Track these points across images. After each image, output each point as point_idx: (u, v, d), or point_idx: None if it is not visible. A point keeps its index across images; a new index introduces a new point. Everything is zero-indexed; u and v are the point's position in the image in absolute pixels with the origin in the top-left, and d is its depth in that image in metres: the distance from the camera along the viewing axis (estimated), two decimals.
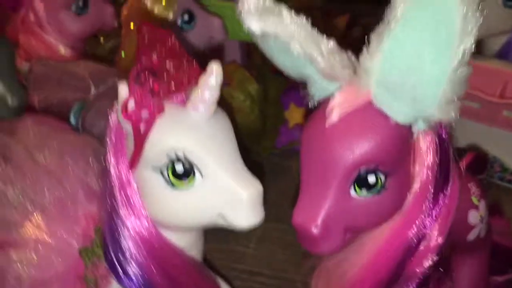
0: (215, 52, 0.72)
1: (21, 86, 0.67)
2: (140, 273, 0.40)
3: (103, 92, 0.61)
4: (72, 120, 0.62)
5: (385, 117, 0.35)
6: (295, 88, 0.80)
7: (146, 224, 0.40)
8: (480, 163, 0.50)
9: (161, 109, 0.37)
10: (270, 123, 0.77)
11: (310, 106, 0.40)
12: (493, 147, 0.68)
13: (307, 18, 0.37)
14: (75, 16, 0.75)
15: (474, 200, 0.44)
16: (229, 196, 0.37)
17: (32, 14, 0.75)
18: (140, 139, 0.37)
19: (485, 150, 0.68)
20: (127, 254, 0.40)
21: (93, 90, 0.61)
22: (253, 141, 0.76)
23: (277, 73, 0.80)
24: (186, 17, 0.69)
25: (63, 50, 0.76)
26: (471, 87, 0.63)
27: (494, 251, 0.51)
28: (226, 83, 0.76)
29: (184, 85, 0.38)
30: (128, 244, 0.40)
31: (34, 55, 0.74)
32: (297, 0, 0.87)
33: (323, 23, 0.84)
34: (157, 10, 0.67)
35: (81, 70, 0.62)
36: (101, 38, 0.83)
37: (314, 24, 0.37)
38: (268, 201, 0.41)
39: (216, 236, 0.63)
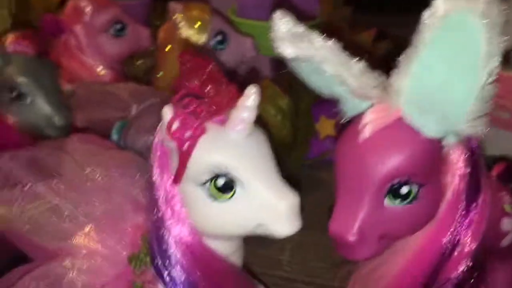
0: (248, 70, 0.74)
1: (67, 107, 0.71)
2: (185, 278, 0.43)
3: (143, 111, 0.64)
4: (114, 138, 0.66)
5: (416, 132, 0.37)
6: (325, 100, 0.82)
7: (190, 232, 0.42)
8: (511, 173, 0.51)
9: (203, 130, 0.40)
10: (301, 135, 0.79)
11: (342, 121, 0.42)
12: None
13: (334, 33, 0.40)
14: (113, 39, 0.79)
15: (507, 208, 0.45)
16: (267, 207, 0.40)
17: (73, 38, 0.79)
18: (184, 157, 0.40)
19: None
20: (173, 261, 0.43)
21: (134, 109, 0.64)
22: (284, 154, 0.77)
23: (308, 86, 0.82)
24: (219, 37, 0.72)
25: (102, 71, 0.79)
26: (501, 98, 0.64)
27: None
28: None
29: (223, 107, 0.40)
30: (174, 251, 0.43)
31: (75, 77, 0.78)
32: (324, 13, 0.89)
33: (349, 38, 0.86)
34: (192, 32, 0.70)
35: (121, 91, 0.66)
36: (135, 59, 0.87)
37: (340, 40, 0.39)
38: (302, 210, 0.43)
39: (251, 242, 0.65)
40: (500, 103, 0.64)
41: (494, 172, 0.49)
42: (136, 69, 0.87)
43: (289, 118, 0.76)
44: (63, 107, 0.68)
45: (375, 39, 0.90)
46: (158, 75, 0.75)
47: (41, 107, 0.67)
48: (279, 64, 0.84)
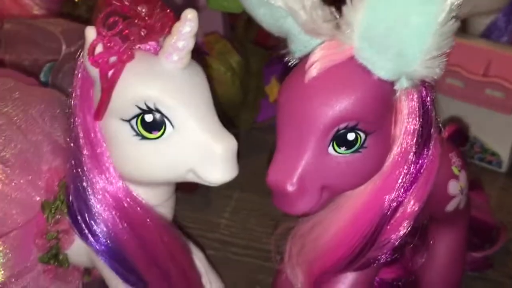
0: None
1: None
2: (107, 231, 0.38)
3: (74, 52, 0.58)
4: (42, 81, 0.60)
5: (367, 73, 0.33)
6: (277, 62, 0.78)
7: (113, 179, 0.38)
8: (461, 136, 0.49)
9: (131, 56, 0.35)
10: (251, 96, 0.75)
11: (289, 63, 0.38)
12: (474, 127, 0.67)
13: None
14: None
15: (455, 170, 0.43)
16: (202, 149, 0.35)
17: None
18: (107, 87, 0.35)
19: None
20: (93, 211, 0.38)
21: (64, 49, 0.58)
22: (233, 114, 0.74)
23: (260, 46, 0.79)
24: None
25: (37, 11, 0.73)
26: (454, 65, 0.63)
27: (473, 227, 0.50)
28: (206, 53, 0.74)
29: (156, 32, 0.36)
30: (94, 200, 0.38)
31: (6, 15, 0.71)
32: None
33: None
34: None
35: (52, 28, 0.59)
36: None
37: None
38: (245, 173, 0.39)
39: (190, 205, 0.62)
40: (454, 70, 0.62)
41: (445, 133, 0.47)
42: (77, 11, 0.80)
43: (239, 76, 0.73)
44: None
45: None
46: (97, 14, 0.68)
47: None
48: (231, 20, 0.80)
